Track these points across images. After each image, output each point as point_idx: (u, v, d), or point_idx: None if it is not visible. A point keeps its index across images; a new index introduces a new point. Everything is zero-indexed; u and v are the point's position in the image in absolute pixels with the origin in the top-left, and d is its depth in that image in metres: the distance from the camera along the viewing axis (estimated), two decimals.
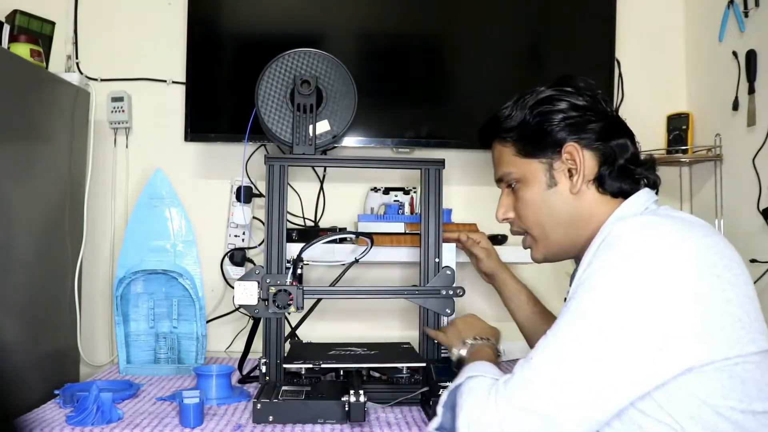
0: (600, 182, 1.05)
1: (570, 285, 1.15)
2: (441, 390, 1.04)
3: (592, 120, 1.06)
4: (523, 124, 1.08)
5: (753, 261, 1.72)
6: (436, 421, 1.01)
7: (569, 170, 1.05)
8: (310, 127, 1.41)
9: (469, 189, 1.98)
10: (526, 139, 1.08)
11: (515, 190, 1.11)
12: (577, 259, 1.11)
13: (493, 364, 1.03)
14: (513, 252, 1.81)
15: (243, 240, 1.88)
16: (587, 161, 1.04)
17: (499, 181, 1.15)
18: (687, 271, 0.86)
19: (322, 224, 1.92)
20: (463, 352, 1.20)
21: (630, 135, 1.08)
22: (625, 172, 1.05)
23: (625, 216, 1.00)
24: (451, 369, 1.29)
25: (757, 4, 1.73)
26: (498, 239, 1.81)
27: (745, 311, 0.88)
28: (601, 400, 0.84)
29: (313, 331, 1.73)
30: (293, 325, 1.60)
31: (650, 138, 2.00)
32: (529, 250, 1.15)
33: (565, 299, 1.13)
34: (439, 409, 1.01)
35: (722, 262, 0.89)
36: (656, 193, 1.08)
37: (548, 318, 1.45)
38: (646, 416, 0.86)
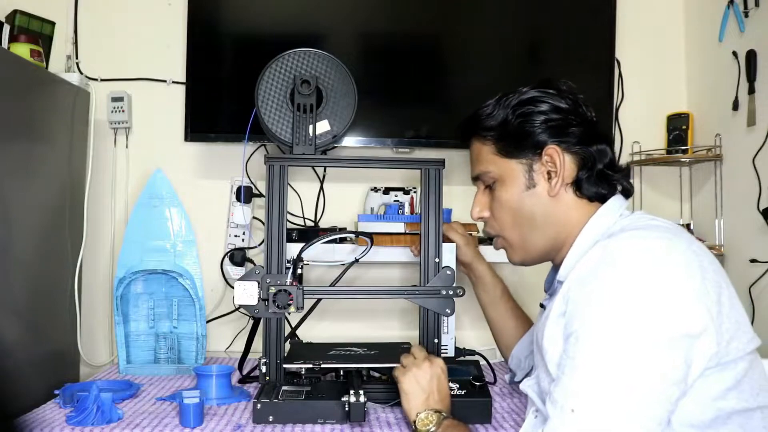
0: (578, 186, 1.05)
1: (546, 291, 1.16)
2: None
3: (573, 124, 1.06)
4: (504, 124, 1.08)
5: (753, 261, 1.72)
6: None
7: (548, 172, 1.05)
8: (310, 127, 1.41)
9: (469, 189, 1.95)
10: (506, 138, 1.08)
11: (492, 189, 1.11)
12: (553, 262, 1.11)
13: None
14: None
15: (243, 240, 1.88)
16: (567, 164, 1.04)
17: (476, 179, 1.15)
18: (690, 279, 0.86)
19: (322, 224, 1.92)
20: (432, 428, 1.10)
21: (608, 141, 1.08)
22: (602, 177, 1.05)
23: (600, 226, 1.01)
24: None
25: (757, 4, 1.73)
26: None
27: (739, 312, 0.89)
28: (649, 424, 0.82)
29: (313, 331, 1.73)
30: (293, 325, 1.60)
31: (650, 138, 2.00)
32: (506, 254, 1.15)
33: (542, 305, 1.13)
34: None
35: (711, 266, 0.90)
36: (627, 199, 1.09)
37: (519, 315, 1.46)
38: None
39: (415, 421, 1.12)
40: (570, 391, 0.85)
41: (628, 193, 1.08)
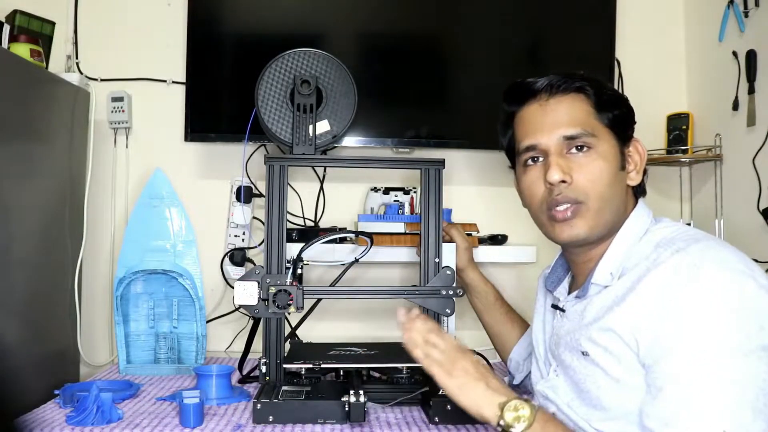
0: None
1: (549, 289, 1.15)
2: (441, 390, 1.02)
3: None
4: (620, 102, 1.09)
5: (753, 261, 1.71)
6: None
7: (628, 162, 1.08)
8: (310, 127, 1.41)
9: (469, 189, 1.98)
10: (622, 117, 1.07)
11: (583, 155, 1.03)
12: (581, 255, 1.09)
13: None
14: (514, 252, 1.81)
15: (243, 240, 1.88)
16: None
17: (570, 138, 1.03)
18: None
19: (322, 224, 1.92)
20: (527, 422, 0.91)
21: None
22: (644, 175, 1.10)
23: (637, 227, 1.03)
24: None
25: (757, 4, 1.73)
26: (498, 239, 1.81)
27: None
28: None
29: (313, 331, 1.73)
30: (293, 325, 1.60)
31: (650, 138, 1.99)
32: (565, 227, 1.03)
33: (555, 306, 1.12)
34: None
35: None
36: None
37: (515, 318, 1.46)
38: None
39: (501, 416, 0.92)
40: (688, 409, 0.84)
41: (645, 193, 1.11)
